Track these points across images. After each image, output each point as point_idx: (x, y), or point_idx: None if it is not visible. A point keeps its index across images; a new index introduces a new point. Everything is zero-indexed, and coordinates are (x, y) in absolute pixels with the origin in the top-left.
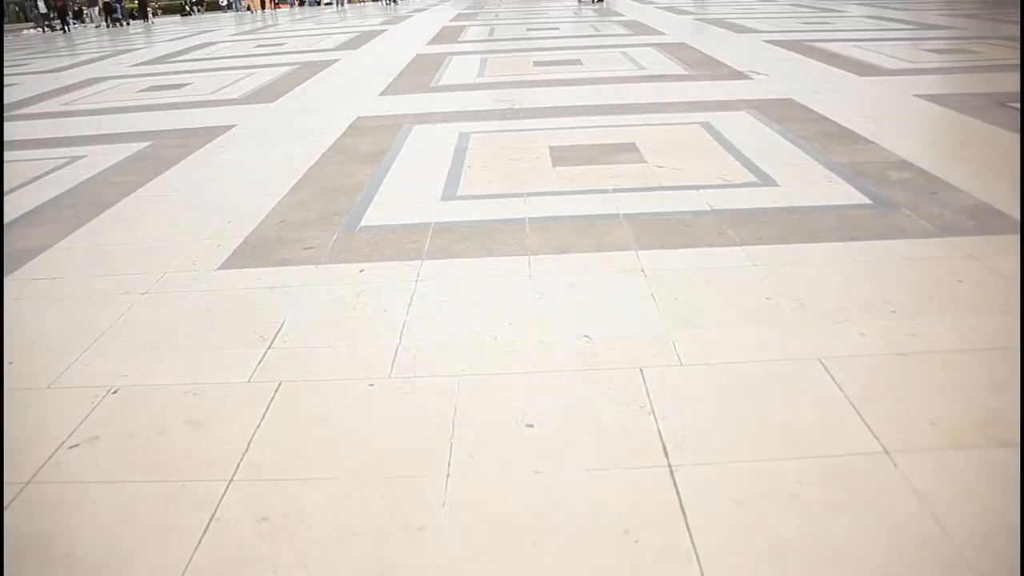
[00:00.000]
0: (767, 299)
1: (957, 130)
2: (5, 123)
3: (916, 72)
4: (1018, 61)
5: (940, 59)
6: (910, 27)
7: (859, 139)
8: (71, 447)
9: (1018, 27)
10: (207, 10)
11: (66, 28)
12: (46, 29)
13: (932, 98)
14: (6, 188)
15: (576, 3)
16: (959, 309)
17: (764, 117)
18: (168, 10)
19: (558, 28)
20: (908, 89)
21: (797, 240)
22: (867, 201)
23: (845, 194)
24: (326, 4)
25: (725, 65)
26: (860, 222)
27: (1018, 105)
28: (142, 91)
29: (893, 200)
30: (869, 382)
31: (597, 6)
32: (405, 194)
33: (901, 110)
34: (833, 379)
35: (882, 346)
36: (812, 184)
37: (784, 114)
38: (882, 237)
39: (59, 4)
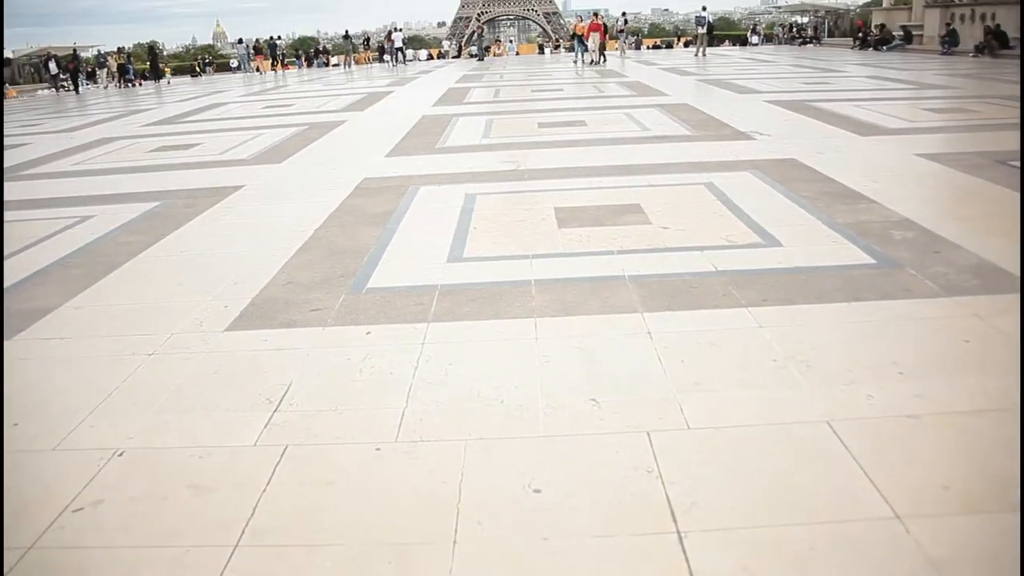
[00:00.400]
0: (774, 361)
1: (958, 188)
2: (17, 182)
3: (916, 131)
4: (1017, 120)
5: (939, 118)
6: (909, 87)
7: (862, 198)
8: (75, 511)
9: (1015, 87)
10: (217, 71)
11: (77, 89)
12: (59, 90)
13: (933, 157)
14: (16, 247)
15: (574, 64)
16: (967, 370)
17: (767, 177)
18: (179, 71)
19: (562, 89)
20: (909, 148)
21: (802, 301)
22: (871, 261)
23: (849, 254)
24: (333, 65)
25: (728, 125)
26: (865, 282)
27: (1018, 164)
28: (152, 151)
29: (897, 260)
30: (879, 445)
31: (600, 67)
32: (411, 256)
33: (902, 169)
34: (842, 442)
35: (891, 408)
36: (816, 244)
37: (787, 174)
38: (887, 297)
39: (71, 66)
